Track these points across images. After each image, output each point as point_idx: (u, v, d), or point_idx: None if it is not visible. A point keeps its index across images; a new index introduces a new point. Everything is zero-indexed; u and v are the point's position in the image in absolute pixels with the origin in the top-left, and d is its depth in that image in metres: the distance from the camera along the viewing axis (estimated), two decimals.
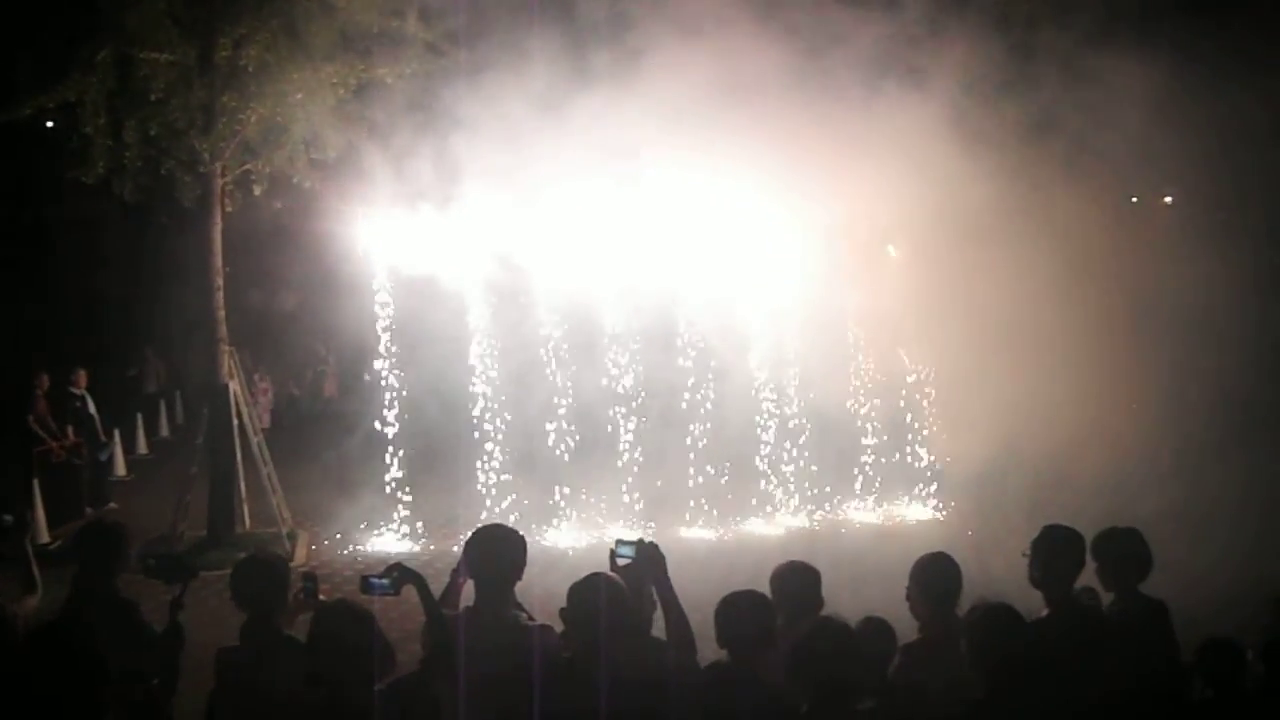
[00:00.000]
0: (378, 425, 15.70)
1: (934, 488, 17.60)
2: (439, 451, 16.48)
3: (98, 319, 25.74)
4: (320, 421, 24.46)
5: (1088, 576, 6.31)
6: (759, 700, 5.06)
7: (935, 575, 6.01)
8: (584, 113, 14.13)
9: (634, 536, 5.76)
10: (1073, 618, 5.95)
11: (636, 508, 16.07)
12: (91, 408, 18.24)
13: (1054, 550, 6.06)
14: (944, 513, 17.19)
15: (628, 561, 5.61)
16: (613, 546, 5.70)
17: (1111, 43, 14.46)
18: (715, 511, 16.40)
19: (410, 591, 5.51)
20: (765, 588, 6.01)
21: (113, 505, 17.44)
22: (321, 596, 5.89)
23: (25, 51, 14.04)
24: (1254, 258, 15.77)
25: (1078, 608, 6.09)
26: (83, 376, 18.14)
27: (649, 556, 5.60)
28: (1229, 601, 7.85)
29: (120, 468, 20.15)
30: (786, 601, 5.98)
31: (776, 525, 16.65)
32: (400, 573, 5.51)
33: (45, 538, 15.35)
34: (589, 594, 5.12)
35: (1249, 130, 14.70)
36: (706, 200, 15.30)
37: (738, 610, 5.27)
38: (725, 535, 16.10)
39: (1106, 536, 6.32)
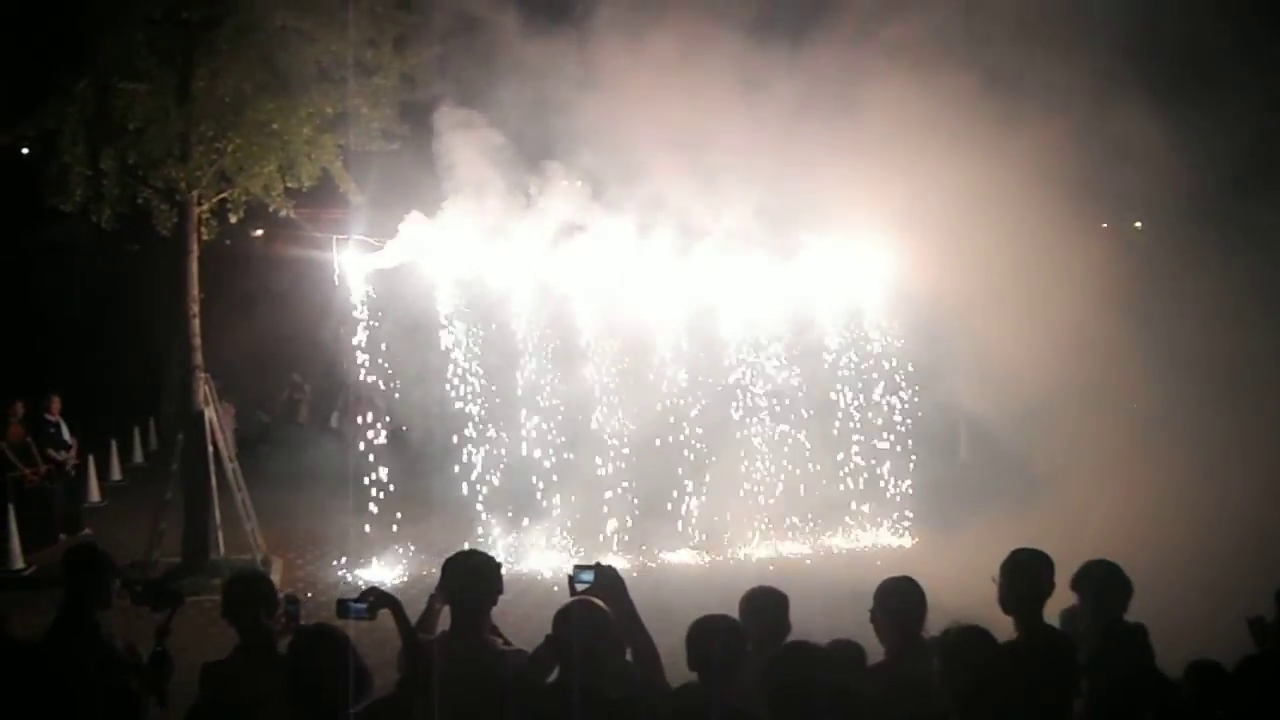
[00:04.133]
0: (355, 451, 15.75)
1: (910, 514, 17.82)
2: (417, 478, 16.52)
3: (74, 345, 25.67)
4: (294, 448, 24.48)
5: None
6: None
7: (899, 598, 6.06)
8: (563, 138, 14.42)
9: (591, 562, 5.79)
10: (1043, 641, 5.98)
11: (618, 534, 16.20)
12: (66, 434, 18.24)
13: (1022, 574, 6.08)
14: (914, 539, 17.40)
15: (587, 586, 5.63)
16: (570, 573, 5.72)
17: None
18: (704, 536, 16.60)
19: (387, 616, 5.60)
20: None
21: (87, 531, 17.40)
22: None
23: (4, 79, 14.06)
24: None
25: (1048, 631, 6.12)
26: (57, 403, 18.13)
27: (608, 580, 5.65)
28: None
29: (94, 494, 20.09)
30: (755, 626, 6.04)
31: (762, 550, 16.79)
32: (377, 597, 5.57)
33: (20, 564, 15.38)
34: (573, 619, 5.19)
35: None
36: (690, 223, 15.58)
37: (709, 633, 5.31)
38: (706, 560, 16.23)
39: (1084, 569, 6.43)
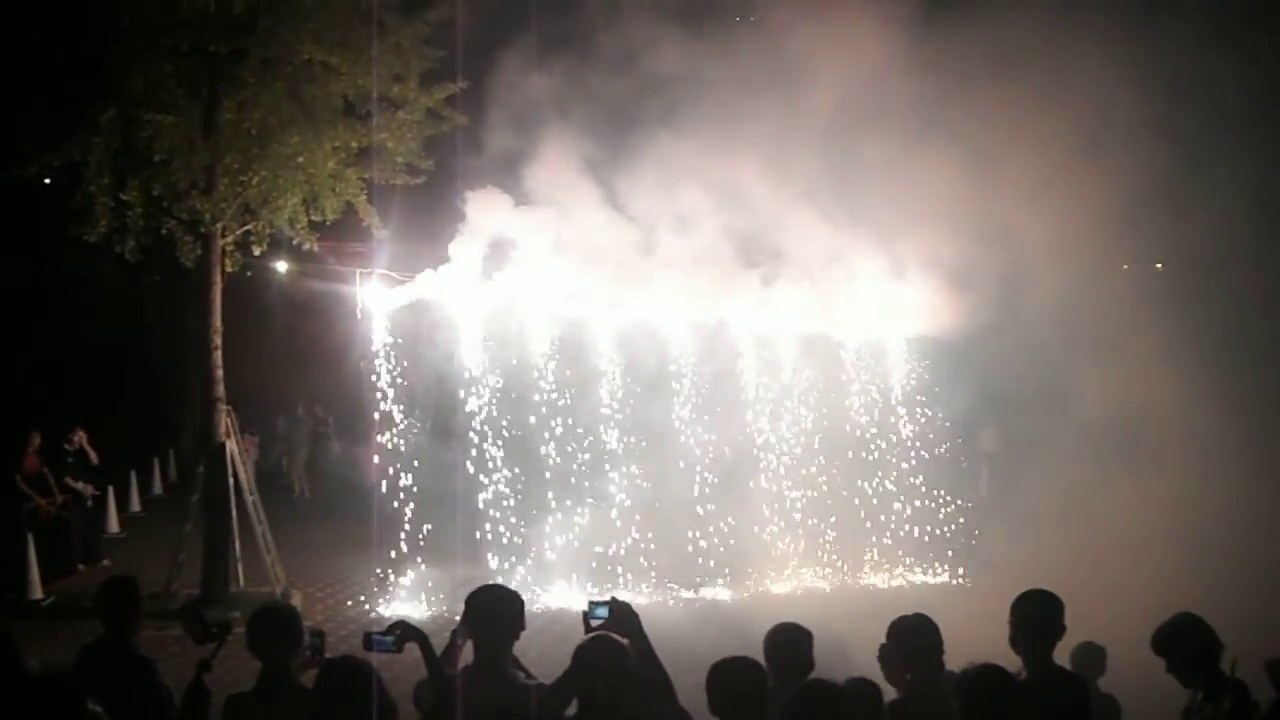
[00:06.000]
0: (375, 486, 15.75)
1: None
2: (436, 512, 16.50)
3: (94, 376, 25.71)
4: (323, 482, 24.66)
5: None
6: None
7: (914, 636, 6.04)
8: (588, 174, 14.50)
9: (605, 597, 5.74)
10: (1052, 681, 5.97)
11: (639, 569, 16.19)
12: (94, 459, 18.28)
13: (1031, 615, 6.07)
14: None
15: (601, 622, 5.58)
16: (585, 609, 5.66)
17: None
18: (729, 571, 16.63)
19: (411, 649, 5.58)
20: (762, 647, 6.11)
21: (106, 562, 17.40)
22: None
23: (31, 110, 14.13)
24: None
25: (1058, 672, 6.12)
26: (80, 434, 18.15)
27: (623, 615, 5.60)
28: None
29: (113, 524, 20.12)
30: (778, 662, 6.02)
31: (789, 586, 16.84)
32: (404, 630, 5.57)
33: (38, 593, 15.37)
34: (594, 655, 5.18)
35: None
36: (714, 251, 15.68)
37: (731, 675, 5.27)
38: (729, 597, 16.24)
39: (1168, 629, 6.22)
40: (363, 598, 15.68)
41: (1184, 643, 6.15)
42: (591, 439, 16.51)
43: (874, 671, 6.07)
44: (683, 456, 16.74)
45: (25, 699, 4.83)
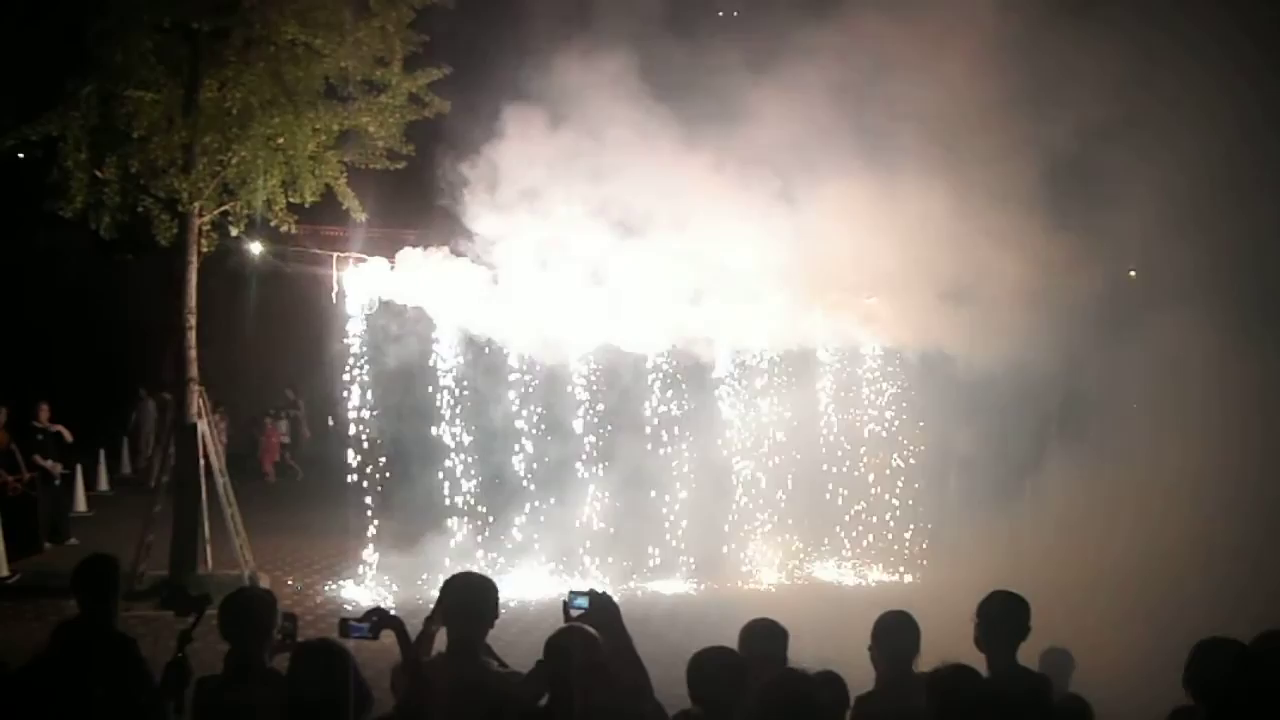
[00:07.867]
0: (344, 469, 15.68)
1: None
2: (405, 496, 16.44)
3: (63, 354, 25.50)
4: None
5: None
6: None
7: (893, 632, 6.11)
8: (570, 166, 14.46)
9: (586, 587, 5.74)
10: (1016, 680, 6.00)
11: (606, 560, 16.20)
12: (67, 436, 18.17)
13: (996, 615, 6.12)
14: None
15: (581, 612, 5.57)
16: (565, 598, 5.66)
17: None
18: (691, 565, 16.65)
19: (384, 636, 5.54)
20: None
21: (73, 541, 17.29)
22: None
23: (9, 82, 13.97)
24: None
25: (1023, 672, 6.14)
26: (45, 410, 18.01)
27: (602, 606, 5.59)
28: None
29: (81, 504, 19.97)
30: (753, 658, 6.02)
31: (755, 582, 16.86)
32: (380, 618, 5.52)
33: (4, 571, 15.24)
34: (566, 645, 5.15)
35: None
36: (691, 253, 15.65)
37: (711, 665, 5.28)
38: (698, 590, 16.26)
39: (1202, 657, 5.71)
40: (330, 581, 15.62)
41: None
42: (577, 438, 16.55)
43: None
44: (660, 454, 16.77)
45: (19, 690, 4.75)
